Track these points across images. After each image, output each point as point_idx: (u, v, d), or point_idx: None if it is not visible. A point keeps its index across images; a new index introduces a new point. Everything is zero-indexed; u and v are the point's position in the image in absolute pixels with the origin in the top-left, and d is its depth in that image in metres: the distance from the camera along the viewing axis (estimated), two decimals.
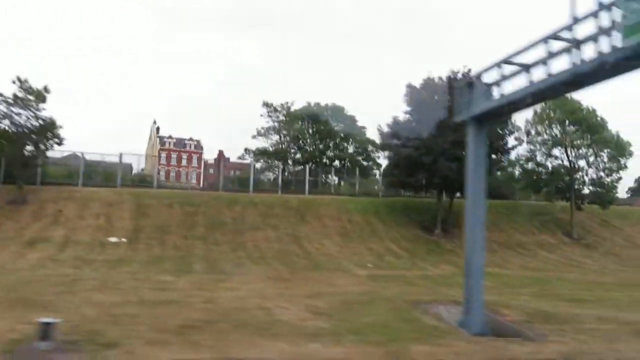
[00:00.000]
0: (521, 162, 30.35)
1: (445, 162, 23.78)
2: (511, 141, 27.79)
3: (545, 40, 9.16)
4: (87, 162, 27.08)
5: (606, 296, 16.08)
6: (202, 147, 77.58)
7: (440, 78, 26.62)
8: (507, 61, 10.46)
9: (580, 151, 29.39)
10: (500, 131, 26.83)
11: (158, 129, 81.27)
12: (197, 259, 18.03)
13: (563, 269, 22.56)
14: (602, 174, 30.27)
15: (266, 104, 42.20)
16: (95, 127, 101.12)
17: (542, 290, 16.30)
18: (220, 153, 52.96)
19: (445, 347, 9.21)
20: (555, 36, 9.13)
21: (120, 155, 27.42)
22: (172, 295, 11.78)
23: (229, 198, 25.47)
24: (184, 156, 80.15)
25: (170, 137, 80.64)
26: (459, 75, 27.08)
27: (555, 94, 12.29)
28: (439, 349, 9.10)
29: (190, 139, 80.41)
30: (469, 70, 27.16)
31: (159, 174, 33.41)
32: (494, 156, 27.39)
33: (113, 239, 18.96)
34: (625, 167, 29.93)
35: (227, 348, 7.56)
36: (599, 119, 29.50)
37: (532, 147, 29.89)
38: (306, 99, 62.11)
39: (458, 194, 26.21)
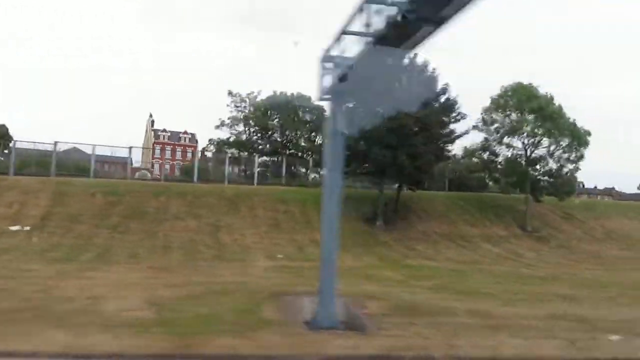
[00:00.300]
0: (477, 152, 29.46)
1: (379, 150, 23.00)
2: (460, 129, 26.79)
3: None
4: (18, 150, 26.66)
5: (514, 290, 15.41)
6: (196, 141, 77.77)
7: None
8: (345, 32, 9.80)
9: (534, 140, 28.40)
10: (445, 118, 26.01)
11: (153, 122, 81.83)
12: (94, 247, 17.56)
13: (498, 262, 21.88)
14: (559, 164, 29.32)
15: (231, 93, 41.52)
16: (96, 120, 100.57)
17: (446, 283, 15.70)
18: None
19: (255, 341, 8.68)
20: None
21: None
22: (10, 283, 11.26)
23: (160, 187, 24.96)
24: (179, 149, 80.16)
25: (164, 130, 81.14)
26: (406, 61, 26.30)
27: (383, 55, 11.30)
28: (246, 342, 8.57)
29: (185, 132, 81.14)
30: (415, 55, 26.47)
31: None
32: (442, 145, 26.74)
33: (14, 228, 18.51)
34: (583, 157, 28.95)
35: None
36: (555, 105, 28.53)
37: (486, 136, 29.00)
38: (274, 87, 61.39)
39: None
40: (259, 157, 37.46)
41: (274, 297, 11.88)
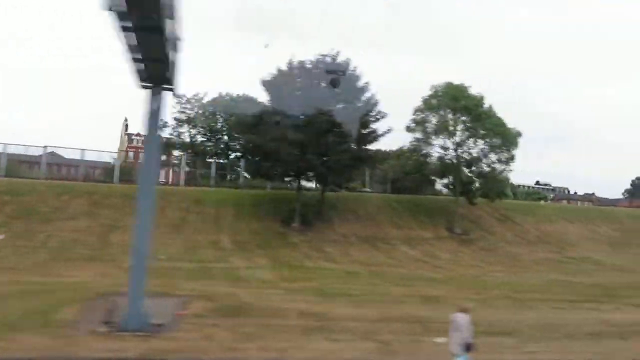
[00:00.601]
0: (407, 153, 29.01)
1: (287, 149, 22.50)
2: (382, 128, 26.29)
3: None
4: None
5: (383, 292, 15.07)
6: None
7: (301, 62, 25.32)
8: None
9: (462, 139, 27.98)
10: (369, 118, 25.56)
11: (127, 126, 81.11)
12: None
13: (405, 265, 21.48)
14: (491, 166, 28.88)
15: (175, 95, 40.84)
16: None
17: (321, 286, 15.54)
18: None
19: (9, 342, 8.26)
20: None
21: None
22: None
23: (66, 188, 24.34)
24: None
25: (138, 134, 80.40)
26: (328, 59, 25.95)
27: None
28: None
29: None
30: (337, 53, 26.12)
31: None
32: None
33: None
34: (513, 158, 28.55)
35: None
36: (484, 105, 28.16)
37: (415, 136, 28.56)
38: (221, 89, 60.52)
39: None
40: (201, 158, 36.96)
41: (99, 298, 11.48)
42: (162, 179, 35.45)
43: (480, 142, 28.39)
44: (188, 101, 42.05)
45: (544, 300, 15.35)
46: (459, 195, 28.86)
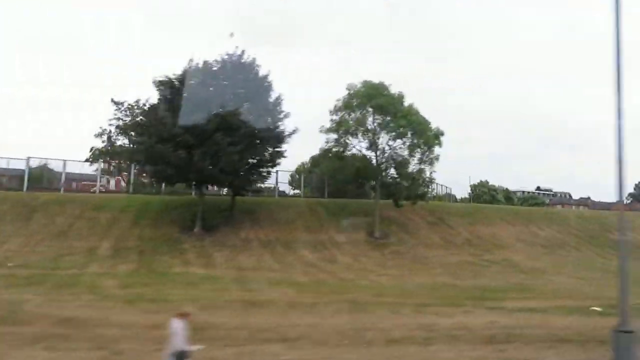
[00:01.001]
0: (323, 155, 28.21)
1: (174, 151, 21.81)
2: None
3: None
4: None
5: (215, 297, 14.36)
6: None
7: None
8: None
9: (379, 138, 27.16)
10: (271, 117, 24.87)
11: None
12: None
13: (287, 270, 20.72)
14: (413, 167, 28.01)
15: (114, 102, 40.49)
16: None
17: (147, 292, 14.61)
18: None
19: None
20: None
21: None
22: None
23: None
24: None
25: None
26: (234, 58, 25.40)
27: None
28: None
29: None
30: (241, 52, 25.56)
31: None
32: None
33: None
34: (437, 158, 27.67)
35: None
36: (403, 104, 27.32)
37: (332, 136, 27.69)
38: None
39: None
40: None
41: None
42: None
43: (399, 141, 27.54)
44: (129, 108, 41.66)
45: (394, 304, 14.45)
46: (385, 198, 28.01)
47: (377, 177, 27.79)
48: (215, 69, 25.14)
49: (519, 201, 74.34)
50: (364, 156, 27.80)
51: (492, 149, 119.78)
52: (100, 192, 30.21)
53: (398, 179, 28.30)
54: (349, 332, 11.30)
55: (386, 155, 27.90)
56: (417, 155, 27.77)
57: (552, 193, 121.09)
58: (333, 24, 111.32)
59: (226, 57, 25.47)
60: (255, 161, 24.51)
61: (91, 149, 40.44)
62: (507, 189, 75.47)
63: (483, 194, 66.66)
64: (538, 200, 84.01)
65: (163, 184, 28.73)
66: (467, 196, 62.32)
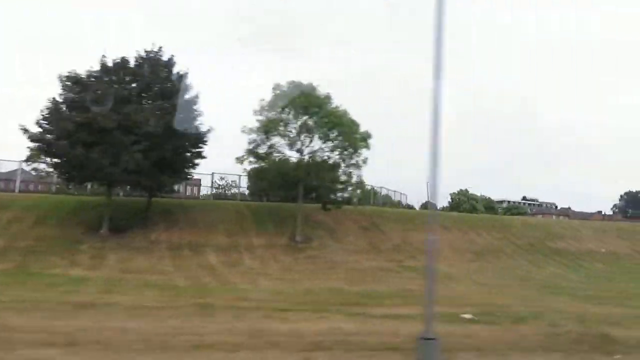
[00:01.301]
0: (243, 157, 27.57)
1: (71, 148, 21.21)
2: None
3: None
4: None
5: (40, 298, 13.53)
6: None
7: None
8: None
9: (300, 140, 26.63)
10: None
11: None
12: None
13: (180, 273, 19.99)
14: (344, 170, 27.55)
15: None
16: None
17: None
18: None
19: None
20: None
21: None
22: None
23: None
24: None
25: None
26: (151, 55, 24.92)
27: None
28: None
29: None
30: (158, 50, 25.06)
31: None
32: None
33: None
34: (366, 161, 27.21)
35: None
36: (330, 104, 26.85)
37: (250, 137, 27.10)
38: None
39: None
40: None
41: None
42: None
43: (324, 144, 27.04)
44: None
45: (248, 309, 13.68)
46: (313, 202, 27.52)
47: (299, 180, 27.21)
48: (131, 66, 24.66)
49: (503, 211, 74.33)
50: (287, 159, 27.30)
51: (489, 157, 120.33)
52: (21, 191, 29.50)
53: (322, 183, 27.78)
54: (158, 336, 10.66)
55: (311, 157, 27.43)
56: (346, 159, 27.34)
57: (537, 203, 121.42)
58: (333, 24, 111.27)
59: (144, 54, 25.03)
60: (164, 160, 23.77)
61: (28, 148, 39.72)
62: (489, 198, 75.41)
63: (463, 202, 66.48)
64: (520, 210, 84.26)
65: (79, 184, 28.07)
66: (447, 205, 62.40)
